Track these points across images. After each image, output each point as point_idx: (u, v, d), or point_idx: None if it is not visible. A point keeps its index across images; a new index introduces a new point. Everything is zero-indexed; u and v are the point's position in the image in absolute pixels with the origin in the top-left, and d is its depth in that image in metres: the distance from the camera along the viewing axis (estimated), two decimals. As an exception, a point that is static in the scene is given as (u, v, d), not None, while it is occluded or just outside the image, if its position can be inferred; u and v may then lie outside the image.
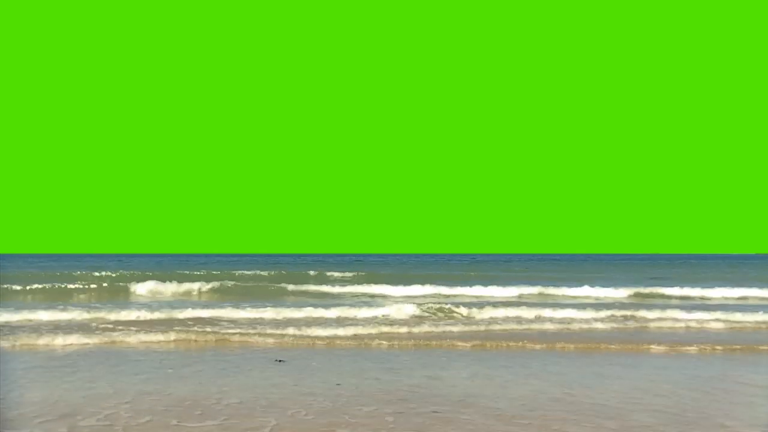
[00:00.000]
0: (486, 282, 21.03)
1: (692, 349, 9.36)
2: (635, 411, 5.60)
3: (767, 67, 74.17)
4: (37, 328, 10.09)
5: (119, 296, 17.19)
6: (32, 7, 72.91)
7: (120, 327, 10.32)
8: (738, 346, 9.65)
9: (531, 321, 12.14)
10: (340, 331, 10.42)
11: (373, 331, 10.64)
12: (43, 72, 72.66)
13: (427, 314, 12.76)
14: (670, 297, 18.07)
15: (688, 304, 15.33)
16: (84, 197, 72.66)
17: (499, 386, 6.54)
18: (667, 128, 79.13)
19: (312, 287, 19.53)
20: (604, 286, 19.31)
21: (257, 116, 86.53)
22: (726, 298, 17.74)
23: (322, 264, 38.66)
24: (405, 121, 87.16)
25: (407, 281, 20.22)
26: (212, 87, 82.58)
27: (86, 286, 18.09)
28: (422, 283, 19.51)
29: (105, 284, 19.18)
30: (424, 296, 17.58)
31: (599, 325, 11.82)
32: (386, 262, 48.98)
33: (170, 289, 18.80)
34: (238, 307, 12.73)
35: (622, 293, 18.38)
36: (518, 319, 12.28)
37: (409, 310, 12.86)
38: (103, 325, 10.55)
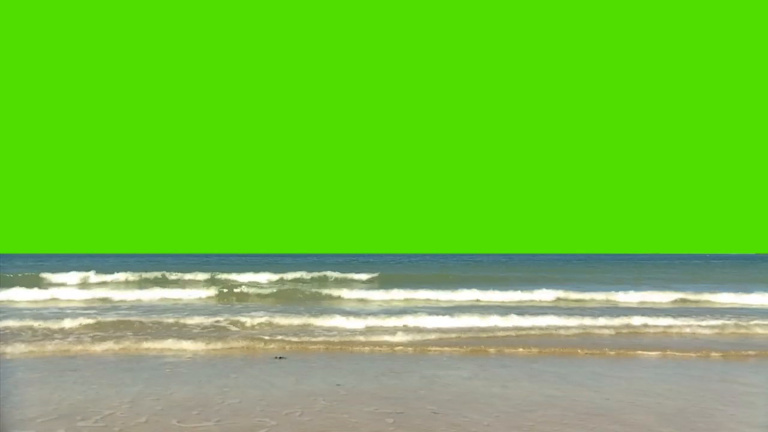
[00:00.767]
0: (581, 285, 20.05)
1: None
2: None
3: (767, 67, 73.80)
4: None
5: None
6: (32, 7, 71.64)
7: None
8: None
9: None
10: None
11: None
12: (43, 72, 71.38)
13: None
14: (714, 303, 17.13)
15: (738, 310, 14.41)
16: (84, 197, 71.45)
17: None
18: (668, 128, 78.64)
19: (363, 293, 17.83)
20: (644, 290, 18.34)
21: (257, 116, 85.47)
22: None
23: (345, 266, 37.54)
24: (405, 120, 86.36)
25: (502, 285, 19.53)
26: (213, 87, 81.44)
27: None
28: (503, 288, 18.36)
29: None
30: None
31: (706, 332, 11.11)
32: (411, 263, 48.05)
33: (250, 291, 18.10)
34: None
35: (667, 297, 17.38)
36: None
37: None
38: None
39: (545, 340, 9.95)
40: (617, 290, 18.00)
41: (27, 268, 31.37)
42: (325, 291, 18.43)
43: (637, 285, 21.91)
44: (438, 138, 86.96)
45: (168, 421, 5.07)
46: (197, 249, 73.68)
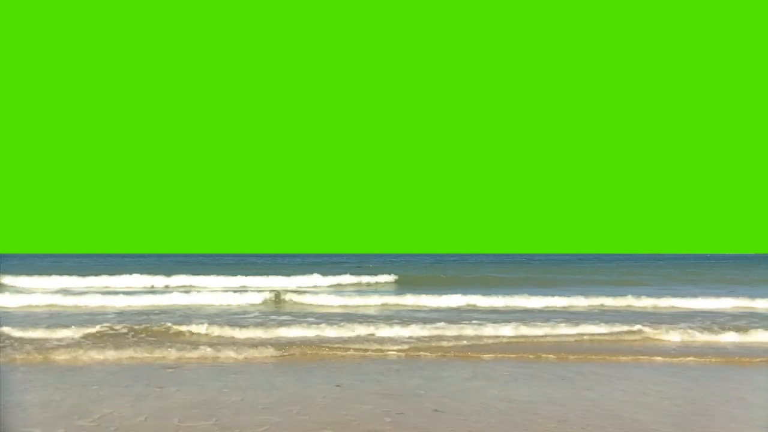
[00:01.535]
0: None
1: None
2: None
3: (767, 67, 73.73)
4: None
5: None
6: (32, 7, 71.68)
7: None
8: None
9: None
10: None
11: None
12: (43, 72, 71.42)
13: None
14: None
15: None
16: (84, 197, 71.47)
17: None
18: (667, 128, 78.58)
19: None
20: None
21: (257, 116, 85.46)
22: None
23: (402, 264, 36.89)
24: (404, 120, 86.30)
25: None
26: (214, 88, 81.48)
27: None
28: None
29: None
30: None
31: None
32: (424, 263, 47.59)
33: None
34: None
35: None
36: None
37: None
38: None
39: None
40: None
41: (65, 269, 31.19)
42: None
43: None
44: (441, 138, 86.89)
45: (169, 421, 5.13)
46: (211, 249, 73.69)
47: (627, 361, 8.33)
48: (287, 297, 16.07)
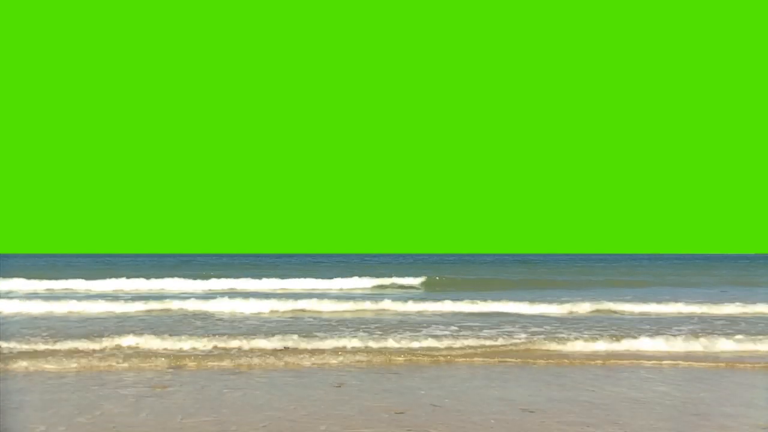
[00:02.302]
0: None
1: None
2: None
3: (767, 67, 73.68)
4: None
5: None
6: (32, 7, 71.74)
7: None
8: None
9: None
10: None
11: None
12: (43, 72, 71.52)
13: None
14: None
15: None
16: (86, 197, 71.56)
17: None
18: (668, 128, 78.59)
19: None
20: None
21: (258, 116, 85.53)
22: None
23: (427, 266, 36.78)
24: (405, 120, 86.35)
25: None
26: (216, 88, 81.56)
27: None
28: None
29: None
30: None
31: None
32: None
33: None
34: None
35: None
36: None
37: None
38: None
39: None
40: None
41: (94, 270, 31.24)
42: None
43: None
44: (444, 138, 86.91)
45: (174, 419, 5.15)
46: (200, 249, 73.74)
47: None
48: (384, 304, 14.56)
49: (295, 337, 9.36)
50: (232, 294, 17.26)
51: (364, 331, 10.36)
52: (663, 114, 77.95)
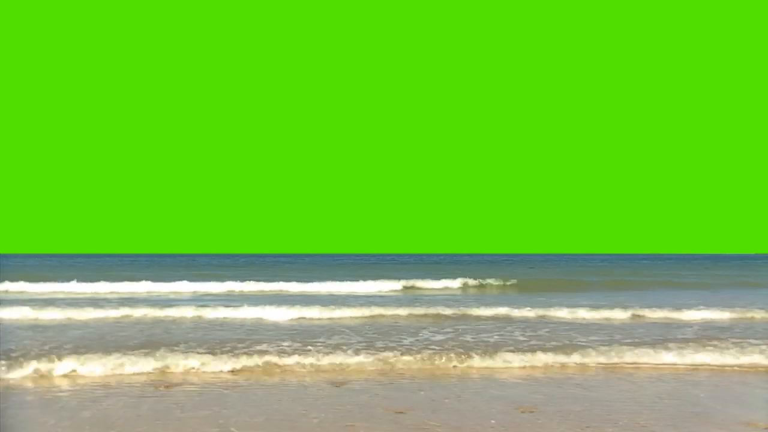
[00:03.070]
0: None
1: None
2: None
3: (767, 67, 73.68)
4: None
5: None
6: (32, 7, 71.81)
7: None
8: None
9: None
10: None
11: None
12: (43, 72, 71.51)
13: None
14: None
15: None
16: (86, 197, 71.57)
17: None
18: (668, 128, 78.57)
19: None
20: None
21: (258, 116, 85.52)
22: None
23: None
24: (405, 120, 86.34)
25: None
26: (217, 88, 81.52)
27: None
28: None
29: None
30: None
31: None
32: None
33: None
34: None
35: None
36: None
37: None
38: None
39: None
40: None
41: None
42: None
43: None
44: (446, 138, 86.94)
45: (171, 413, 5.16)
46: (202, 249, 73.72)
47: None
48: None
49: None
50: (286, 299, 15.65)
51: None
52: (663, 114, 77.89)
